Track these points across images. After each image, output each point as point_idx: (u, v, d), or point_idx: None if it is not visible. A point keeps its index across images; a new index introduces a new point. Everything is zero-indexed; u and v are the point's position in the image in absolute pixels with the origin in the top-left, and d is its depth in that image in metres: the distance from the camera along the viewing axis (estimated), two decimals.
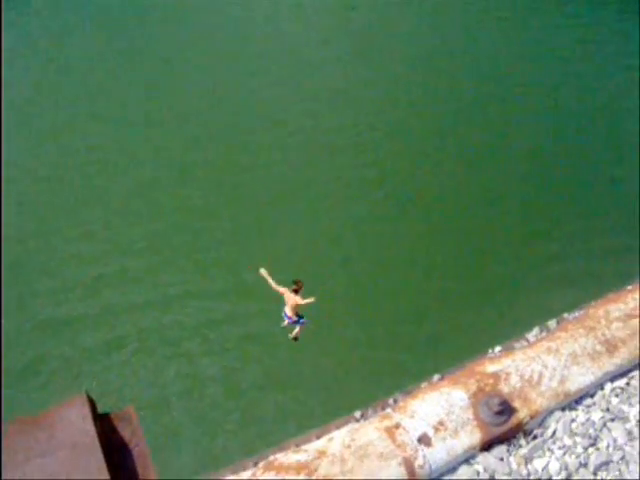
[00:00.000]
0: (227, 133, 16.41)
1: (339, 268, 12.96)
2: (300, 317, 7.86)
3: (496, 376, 5.53)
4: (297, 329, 8.18)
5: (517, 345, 9.29)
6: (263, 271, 7.24)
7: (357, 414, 7.98)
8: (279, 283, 7.54)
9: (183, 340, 11.56)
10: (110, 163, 15.41)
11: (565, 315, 9.94)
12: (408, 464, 4.46)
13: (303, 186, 14.73)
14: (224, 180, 14.74)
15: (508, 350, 9.20)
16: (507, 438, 5.39)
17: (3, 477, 4.20)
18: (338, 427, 7.76)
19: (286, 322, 7.89)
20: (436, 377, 8.70)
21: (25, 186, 14.85)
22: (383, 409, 8.03)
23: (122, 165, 15.12)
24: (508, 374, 5.55)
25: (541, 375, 5.63)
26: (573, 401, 5.79)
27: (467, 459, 5.03)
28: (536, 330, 9.62)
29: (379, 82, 18.48)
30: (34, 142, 16.23)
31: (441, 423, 4.88)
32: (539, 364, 5.72)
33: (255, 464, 7.06)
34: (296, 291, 7.15)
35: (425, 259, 13.34)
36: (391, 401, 8.17)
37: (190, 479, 7.84)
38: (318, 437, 7.54)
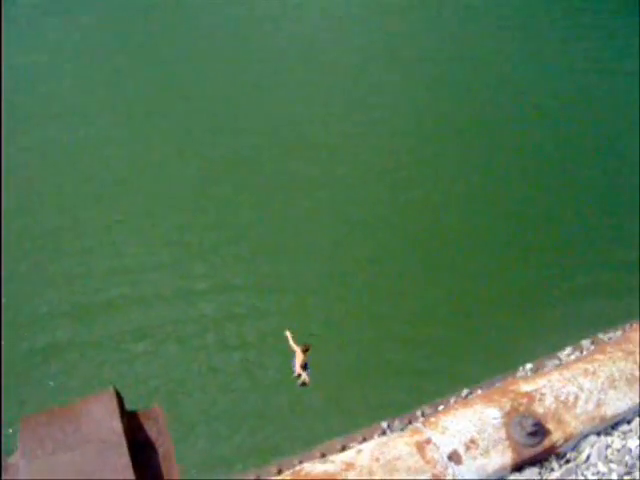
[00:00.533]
0: (252, 130, 16.43)
1: (363, 271, 12.87)
2: (306, 367, 8.05)
3: (530, 396, 5.41)
4: (305, 376, 8.30)
5: (549, 363, 9.13)
6: (288, 333, 7.45)
7: (384, 424, 7.92)
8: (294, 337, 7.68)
9: (206, 332, 11.57)
10: (134, 158, 15.48)
11: (600, 335, 9.77)
12: None
13: (328, 185, 14.68)
14: (249, 177, 14.75)
15: (539, 368, 9.06)
16: (539, 460, 5.27)
17: (24, 465, 4.20)
18: (364, 435, 7.69)
19: (296, 373, 8.08)
20: (465, 391, 8.59)
21: (56, 178, 14.99)
22: (410, 422, 7.95)
23: (146, 161, 15.18)
24: (543, 394, 5.42)
25: (577, 397, 5.49)
26: (609, 426, 5.66)
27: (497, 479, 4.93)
28: (569, 349, 9.46)
29: (398, 84, 18.38)
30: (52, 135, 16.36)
31: (472, 441, 4.76)
32: (575, 386, 5.58)
33: (279, 471, 7.01)
34: (305, 351, 7.34)
35: (455, 271, 13.19)
36: (419, 413, 8.08)
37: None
38: (343, 445, 7.48)
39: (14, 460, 4.31)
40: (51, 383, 11.10)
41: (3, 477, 4.32)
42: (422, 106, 17.80)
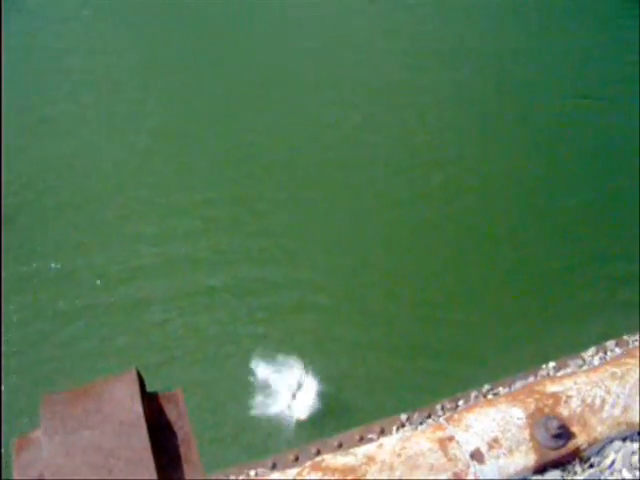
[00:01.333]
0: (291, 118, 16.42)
1: (388, 252, 12.81)
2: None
3: (556, 397, 5.32)
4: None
5: (572, 363, 9.03)
6: None
7: (403, 416, 7.87)
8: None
9: (227, 306, 11.59)
10: (181, 140, 15.54)
11: (625, 337, 9.65)
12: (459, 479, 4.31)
13: (360, 172, 14.63)
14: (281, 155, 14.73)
15: (562, 367, 8.95)
16: (562, 463, 5.19)
17: (46, 441, 4.22)
18: (382, 426, 7.66)
19: None
20: (486, 387, 8.52)
21: (90, 149, 15.06)
22: (430, 415, 7.89)
23: (192, 141, 15.22)
24: (569, 397, 5.33)
25: (604, 401, 5.40)
26: (635, 432, 5.57)
27: None
28: (592, 350, 9.34)
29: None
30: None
31: (496, 440, 4.70)
32: (602, 389, 5.49)
33: (296, 458, 6.99)
34: None
35: (481, 264, 13.10)
36: (438, 407, 8.03)
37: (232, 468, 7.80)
38: (361, 436, 7.45)
39: (35, 435, 4.34)
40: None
41: (24, 450, 4.36)
42: (448, 89, 17.66)
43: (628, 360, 5.94)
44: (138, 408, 4.51)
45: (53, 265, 12.81)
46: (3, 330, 11.99)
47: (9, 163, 14.82)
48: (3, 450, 9.56)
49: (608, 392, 5.46)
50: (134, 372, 4.73)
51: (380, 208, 13.98)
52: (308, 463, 3.83)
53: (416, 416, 7.76)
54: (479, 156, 15.95)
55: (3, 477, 4.17)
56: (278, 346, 11.03)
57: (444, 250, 13.52)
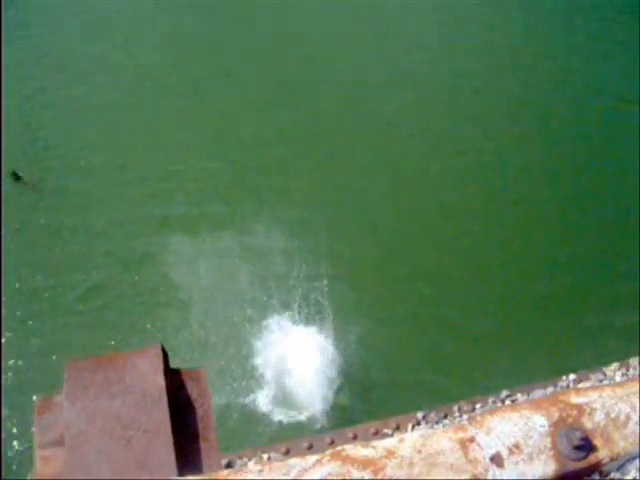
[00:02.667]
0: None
1: (413, 249, 12.77)
2: None
3: (580, 408, 5.24)
4: None
5: (592, 377, 8.96)
6: None
7: (419, 414, 7.85)
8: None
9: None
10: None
11: None
12: None
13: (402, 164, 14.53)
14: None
15: (583, 380, 8.89)
16: (581, 475, 5.13)
17: (67, 406, 4.27)
18: (398, 423, 7.64)
19: None
20: (504, 393, 8.48)
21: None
22: (446, 415, 7.87)
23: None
24: (593, 409, 5.24)
25: (628, 417, 5.30)
26: None
27: None
28: (615, 365, 9.27)
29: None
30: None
31: (517, 446, 4.64)
32: (628, 405, 5.39)
33: (310, 446, 6.98)
34: None
35: (508, 271, 13.01)
36: (455, 408, 8.00)
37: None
38: (376, 430, 7.43)
39: (57, 400, 4.38)
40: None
41: (45, 412, 4.42)
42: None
43: None
44: (160, 382, 4.52)
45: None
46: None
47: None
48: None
49: (634, 409, 5.37)
50: (159, 347, 4.78)
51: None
52: (328, 451, 3.80)
53: (433, 415, 7.75)
54: (506, 149, 15.82)
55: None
56: None
57: (467, 257, 13.46)
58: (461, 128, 16.71)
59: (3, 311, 11.98)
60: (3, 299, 12.27)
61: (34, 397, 4.40)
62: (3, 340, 11.53)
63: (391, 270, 13.07)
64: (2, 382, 10.52)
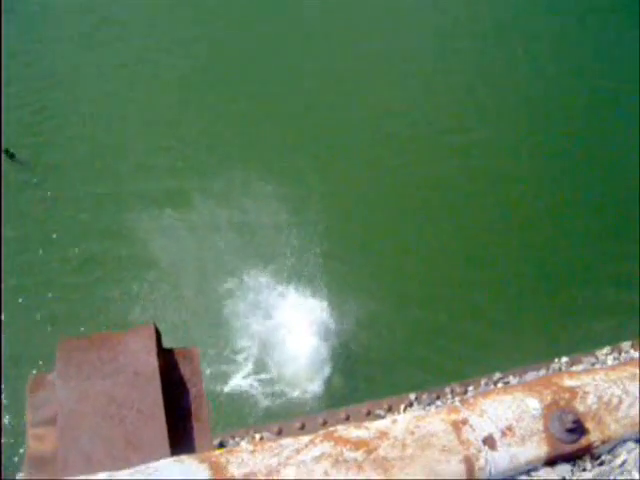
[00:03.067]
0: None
1: (422, 248, 12.79)
2: None
3: (573, 392, 5.26)
4: None
5: (584, 360, 9.00)
6: None
7: (412, 396, 7.87)
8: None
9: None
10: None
11: None
12: (469, 463, 4.27)
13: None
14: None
15: (575, 363, 8.93)
16: (573, 458, 5.15)
17: (60, 385, 4.27)
18: (390, 404, 7.65)
19: None
20: (497, 375, 8.50)
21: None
22: (438, 397, 7.89)
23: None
24: (586, 392, 5.26)
25: (620, 401, 5.32)
26: None
27: (528, 470, 4.83)
28: (607, 349, 9.31)
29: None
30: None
31: (509, 428, 4.66)
32: (620, 389, 5.41)
33: (302, 426, 7.00)
34: None
35: (501, 253, 13.01)
36: (448, 390, 8.03)
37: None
38: (368, 410, 7.45)
39: (51, 378, 4.37)
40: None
41: (38, 390, 4.41)
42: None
43: None
44: (153, 361, 4.52)
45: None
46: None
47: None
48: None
49: (626, 392, 5.39)
50: (152, 326, 4.77)
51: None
52: (321, 432, 3.80)
53: (425, 396, 7.77)
54: (503, 132, 15.78)
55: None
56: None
57: (459, 238, 13.44)
58: (451, 106, 16.65)
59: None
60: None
61: (31, 373, 4.40)
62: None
63: (377, 247, 13.06)
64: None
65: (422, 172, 14.49)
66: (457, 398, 7.69)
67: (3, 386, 9.99)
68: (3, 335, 10.91)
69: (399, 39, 17.82)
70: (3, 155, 13.87)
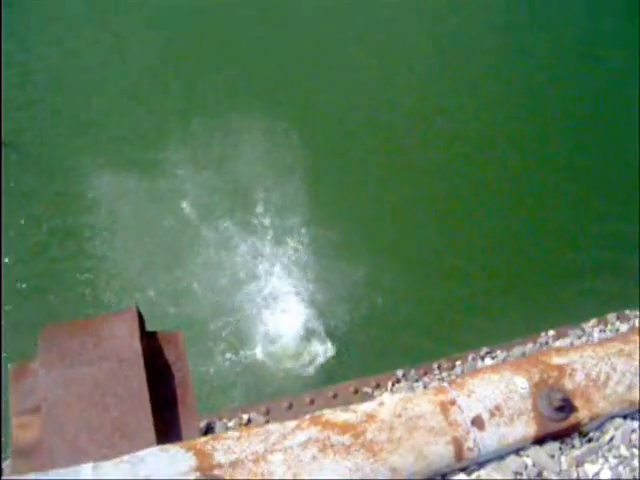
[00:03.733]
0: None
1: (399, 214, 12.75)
2: None
3: (561, 369, 5.26)
4: None
5: (571, 333, 9.00)
6: None
7: (399, 372, 7.85)
8: None
9: None
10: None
11: (627, 312, 9.57)
12: (457, 444, 4.26)
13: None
14: None
15: (562, 336, 8.93)
16: (562, 436, 5.16)
17: (43, 373, 4.22)
18: (377, 381, 7.65)
19: None
20: (484, 350, 8.49)
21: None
22: (426, 373, 7.88)
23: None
24: (574, 370, 5.27)
25: (608, 377, 5.33)
26: (636, 411, 5.53)
27: (517, 449, 4.84)
28: (593, 321, 9.31)
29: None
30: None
31: (497, 408, 4.65)
32: (608, 365, 5.42)
33: (290, 406, 6.98)
34: None
35: (482, 226, 13.00)
36: (435, 365, 8.01)
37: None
38: (356, 389, 7.43)
39: (34, 366, 4.31)
40: None
41: (22, 379, 4.36)
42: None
43: (635, 338, 5.88)
44: (137, 346, 4.46)
45: None
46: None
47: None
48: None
49: (614, 369, 5.40)
50: (134, 310, 4.71)
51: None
52: (307, 416, 3.76)
53: (412, 373, 7.76)
54: (483, 107, 15.71)
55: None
56: None
57: (447, 214, 13.42)
58: (447, 83, 16.59)
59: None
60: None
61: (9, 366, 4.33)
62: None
63: (363, 214, 13.01)
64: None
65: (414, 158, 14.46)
66: (445, 374, 7.68)
67: None
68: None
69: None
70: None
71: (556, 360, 5.50)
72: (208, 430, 6.42)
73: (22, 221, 12.74)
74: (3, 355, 10.42)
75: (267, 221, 13.01)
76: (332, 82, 15.61)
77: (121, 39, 16.76)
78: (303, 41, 16.83)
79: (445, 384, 4.41)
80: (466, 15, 18.50)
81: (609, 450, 5.57)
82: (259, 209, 13.09)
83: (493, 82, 16.57)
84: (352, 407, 4.13)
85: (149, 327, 4.62)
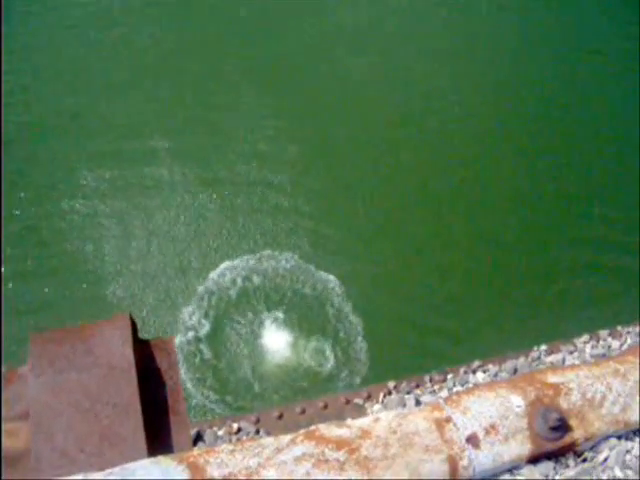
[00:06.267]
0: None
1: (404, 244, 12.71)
2: None
3: (557, 388, 5.22)
4: None
5: (563, 348, 8.98)
6: None
7: (390, 384, 7.81)
8: None
9: None
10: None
11: (619, 328, 9.56)
12: (453, 462, 4.21)
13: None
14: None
15: (554, 352, 8.92)
16: (556, 455, 5.12)
17: (32, 379, 4.14)
18: (369, 392, 7.61)
19: None
20: (476, 363, 8.46)
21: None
22: (418, 385, 7.85)
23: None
24: (570, 389, 5.24)
25: (604, 397, 5.30)
26: (631, 432, 5.50)
27: (511, 468, 4.79)
28: (585, 337, 9.29)
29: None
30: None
31: (493, 426, 4.61)
32: (603, 385, 5.39)
33: (280, 416, 6.92)
34: None
35: (477, 242, 12.97)
36: (427, 378, 7.98)
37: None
38: (347, 399, 7.39)
39: (22, 372, 4.23)
40: None
41: (9, 385, 4.28)
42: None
43: (631, 358, 5.84)
44: (129, 354, 4.40)
45: None
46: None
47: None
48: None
49: (609, 389, 5.36)
50: (127, 316, 4.66)
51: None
52: (302, 431, 3.70)
53: (404, 385, 7.72)
54: (482, 105, 15.69)
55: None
56: None
57: (439, 223, 13.38)
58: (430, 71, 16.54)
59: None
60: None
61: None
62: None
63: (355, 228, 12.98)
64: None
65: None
66: (437, 386, 7.65)
67: None
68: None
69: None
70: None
71: (552, 379, 5.46)
72: (198, 438, 6.36)
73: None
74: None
75: None
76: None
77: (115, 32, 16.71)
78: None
79: (440, 401, 4.36)
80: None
81: (603, 470, 5.53)
82: None
83: (492, 83, 16.55)
84: (347, 422, 4.07)
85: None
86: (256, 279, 12.07)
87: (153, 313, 11.54)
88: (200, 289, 11.87)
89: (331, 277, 11.74)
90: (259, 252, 12.49)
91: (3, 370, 4.22)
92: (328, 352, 10.83)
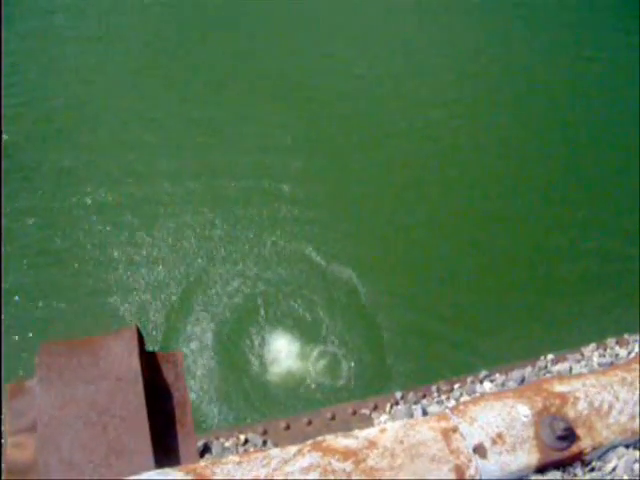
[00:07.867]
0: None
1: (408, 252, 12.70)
2: None
3: (564, 397, 5.21)
4: None
5: (570, 357, 8.95)
6: None
7: (397, 394, 7.80)
8: None
9: None
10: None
11: (626, 336, 9.53)
12: (459, 472, 4.19)
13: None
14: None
15: (561, 360, 8.88)
16: (564, 465, 5.10)
17: (40, 392, 4.15)
18: (376, 403, 7.59)
19: None
20: (483, 373, 8.44)
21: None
22: (425, 395, 7.83)
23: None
24: (577, 398, 5.22)
25: (611, 406, 5.28)
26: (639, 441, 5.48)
27: (519, 478, 4.78)
28: (592, 346, 9.26)
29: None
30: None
31: (500, 436, 4.59)
32: (611, 394, 5.37)
33: (287, 427, 6.92)
34: None
35: (482, 248, 12.96)
36: (434, 388, 7.96)
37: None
38: (354, 410, 7.38)
39: (30, 384, 4.24)
40: None
41: (17, 397, 4.29)
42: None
43: (637, 366, 5.82)
44: (136, 366, 4.41)
45: None
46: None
47: None
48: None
49: (616, 398, 5.34)
50: (134, 329, 4.67)
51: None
52: (309, 442, 3.71)
53: (411, 395, 7.70)
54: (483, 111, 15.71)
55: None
56: None
57: (444, 231, 13.38)
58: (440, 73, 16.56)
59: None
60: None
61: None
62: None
63: (360, 233, 13.00)
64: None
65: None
66: (444, 396, 7.63)
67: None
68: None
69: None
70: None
71: (559, 388, 5.44)
72: (205, 449, 6.36)
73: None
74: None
75: None
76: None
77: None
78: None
79: (447, 411, 4.35)
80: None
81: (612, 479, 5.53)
82: None
83: (490, 84, 16.57)
84: (354, 433, 4.07)
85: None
86: (262, 286, 12.12)
87: (158, 324, 11.55)
88: (205, 299, 11.91)
89: (338, 284, 11.78)
90: (268, 260, 12.54)
91: (10, 383, 4.23)
92: (335, 362, 10.85)
